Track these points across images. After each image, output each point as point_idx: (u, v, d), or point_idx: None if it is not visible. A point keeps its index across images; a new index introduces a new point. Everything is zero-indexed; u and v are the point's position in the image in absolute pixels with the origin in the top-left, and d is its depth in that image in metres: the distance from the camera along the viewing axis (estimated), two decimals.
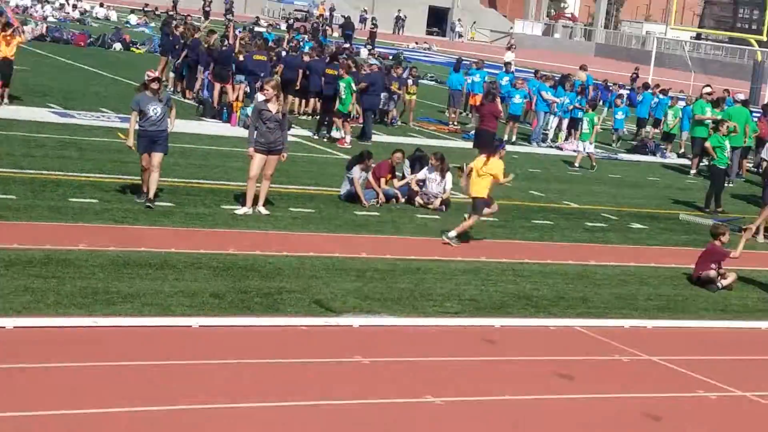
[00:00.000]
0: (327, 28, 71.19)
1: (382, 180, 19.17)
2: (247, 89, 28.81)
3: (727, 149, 23.29)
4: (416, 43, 79.47)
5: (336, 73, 26.63)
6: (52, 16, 57.92)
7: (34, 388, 8.96)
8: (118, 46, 46.50)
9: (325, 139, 26.03)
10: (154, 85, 16.47)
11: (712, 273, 15.53)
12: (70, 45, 45.05)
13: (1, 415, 8.31)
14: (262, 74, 27.73)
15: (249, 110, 22.05)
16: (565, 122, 31.37)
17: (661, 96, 34.66)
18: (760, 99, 48.81)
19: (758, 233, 19.43)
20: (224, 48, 29.23)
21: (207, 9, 71.95)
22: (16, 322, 10.47)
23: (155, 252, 13.73)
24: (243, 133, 22.60)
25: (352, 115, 26.24)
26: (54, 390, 8.97)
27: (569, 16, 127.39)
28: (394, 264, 14.81)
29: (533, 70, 37.01)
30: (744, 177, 28.90)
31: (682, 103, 33.22)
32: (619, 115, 32.99)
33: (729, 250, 15.87)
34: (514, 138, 30.07)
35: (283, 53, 32.30)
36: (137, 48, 46.69)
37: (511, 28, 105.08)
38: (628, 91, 41.02)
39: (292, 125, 24.24)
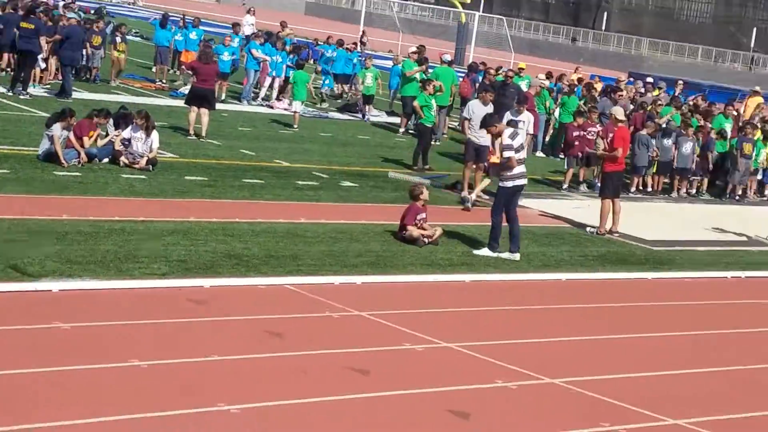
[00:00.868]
0: None
1: (85, 139, 18.42)
2: None
3: (433, 108, 23.82)
4: None
5: (33, 27, 25.35)
6: None
7: None
8: None
9: (21, 96, 24.74)
10: None
11: (416, 232, 15.78)
12: None
13: None
14: None
15: None
16: (278, 81, 31.22)
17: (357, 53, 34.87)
18: (464, 59, 50.37)
19: (464, 189, 20.05)
20: None
21: None
22: None
23: None
24: None
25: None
26: None
27: None
28: (98, 225, 14.23)
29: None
30: (447, 135, 29.72)
31: (389, 63, 33.60)
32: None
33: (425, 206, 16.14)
34: (224, 96, 29.67)
35: None
36: None
37: None
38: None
39: None
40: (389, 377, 10.21)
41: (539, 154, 27.92)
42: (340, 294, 12.77)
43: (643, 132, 24.26)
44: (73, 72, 27.56)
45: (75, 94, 25.83)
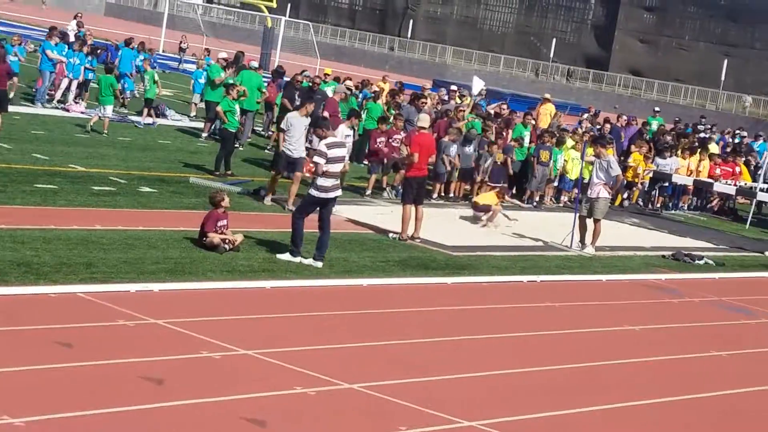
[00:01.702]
0: None
1: None
2: None
3: (237, 113, 23.61)
4: None
5: None
6: None
7: None
8: None
9: None
10: None
11: (216, 239, 15.56)
12: None
13: None
14: None
15: None
16: (75, 83, 30.37)
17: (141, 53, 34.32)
18: (270, 64, 50.21)
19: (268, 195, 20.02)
20: None
21: None
22: None
23: None
24: None
25: None
26: None
27: None
28: None
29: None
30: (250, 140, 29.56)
31: (193, 67, 33.11)
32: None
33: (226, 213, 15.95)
34: (11, 95, 28.60)
35: None
36: None
37: None
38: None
39: None
40: (185, 386, 9.99)
41: None
42: (136, 302, 12.45)
43: (445, 138, 24.62)
44: None
45: None
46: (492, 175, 25.36)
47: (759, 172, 30.72)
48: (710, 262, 22.13)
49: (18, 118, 25.75)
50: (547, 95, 35.53)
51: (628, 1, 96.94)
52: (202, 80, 31.17)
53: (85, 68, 30.47)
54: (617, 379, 12.73)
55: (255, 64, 29.43)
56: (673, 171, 29.67)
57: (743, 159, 33.10)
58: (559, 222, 23.07)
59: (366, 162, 26.10)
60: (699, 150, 31.53)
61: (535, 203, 26.38)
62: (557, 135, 27.34)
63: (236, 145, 24.79)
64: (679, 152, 30.49)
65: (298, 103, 25.34)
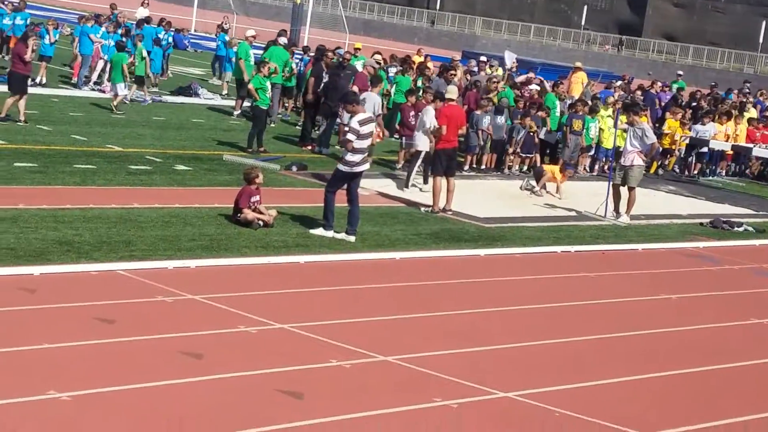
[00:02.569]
0: None
1: None
2: None
3: (268, 90, 23.76)
4: None
5: None
6: None
7: None
8: None
9: None
10: None
11: (251, 215, 15.76)
12: None
13: None
14: None
15: None
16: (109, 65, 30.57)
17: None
18: (300, 41, 50.31)
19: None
20: None
21: None
22: None
23: None
24: None
25: None
26: None
27: None
28: None
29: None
30: (289, 116, 29.74)
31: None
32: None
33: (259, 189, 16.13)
34: (44, 80, 28.88)
35: None
36: None
37: None
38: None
39: None
40: (223, 360, 10.21)
41: None
42: (174, 278, 12.69)
43: (477, 111, 24.68)
44: None
45: None
46: (524, 145, 25.42)
47: None
48: (750, 228, 22.03)
49: (56, 101, 26.03)
50: (578, 63, 35.42)
51: None
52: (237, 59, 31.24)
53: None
54: (655, 348, 12.80)
55: (284, 40, 29.51)
56: (710, 137, 29.55)
57: None
58: (593, 191, 23.09)
59: (396, 136, 26.18)
60: (736, 115, 31.38)
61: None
62: (590, 104, 27.31)
63: (268, 122, 24.94)
64: (716, 117, 30.35)
65: (326, 79, 25.43)
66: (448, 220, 18.63)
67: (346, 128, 16.32)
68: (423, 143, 20.47)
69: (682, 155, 30.04)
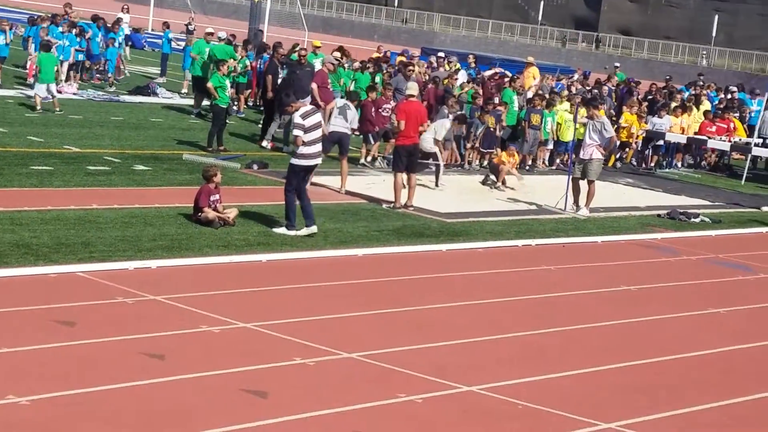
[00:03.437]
0: None
1: None
2: None
3: (228, 89, 23.63)
4: None
5: None
6: None
7: None
8: None
9: None
10: None
11: (212, 214, 15.69)
12: None
13: None
14: None
15: None
16: (65, 65, 30.35)
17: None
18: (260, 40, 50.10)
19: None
20: None
21: None
22: None
23: None
24: None
25: None
26: None
27: None
28: None
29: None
30: (243, 113, 29.65)
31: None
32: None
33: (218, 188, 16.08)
34: None
35: None
36: None
37: None
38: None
39: None
40: (186, 360, 10.15)
41: None
42: (134, 279, 12.60)
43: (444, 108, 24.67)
44: None
45: None
46: (484, 140, 25.47)
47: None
48: (706, 219, 22.23)
49: (11, 102, 25.77)
50: (531, 58, 35.43)
51: None
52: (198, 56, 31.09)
53: (75, 50, 30.45)
54: (615, 339, 12.88)
55: (223, 34, 29.59)
56: (666, 130, 29.76)
57: (737, 114, 33.14)
58: (552, 185, 23.19)
59: (357, 132, 26.13)
60: (691, 107, 31.62)
61: (528, 167, 26.49)
62: (547, 98, 27.40)
63: (227, 121, 24.83)
64: (671, 110, 30.57)
65: (283, 76, 25.38)
66: (410, 216, 18.63)
67: (293, 128, 16.43)
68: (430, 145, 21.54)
69: (639, 148, 30.23)
